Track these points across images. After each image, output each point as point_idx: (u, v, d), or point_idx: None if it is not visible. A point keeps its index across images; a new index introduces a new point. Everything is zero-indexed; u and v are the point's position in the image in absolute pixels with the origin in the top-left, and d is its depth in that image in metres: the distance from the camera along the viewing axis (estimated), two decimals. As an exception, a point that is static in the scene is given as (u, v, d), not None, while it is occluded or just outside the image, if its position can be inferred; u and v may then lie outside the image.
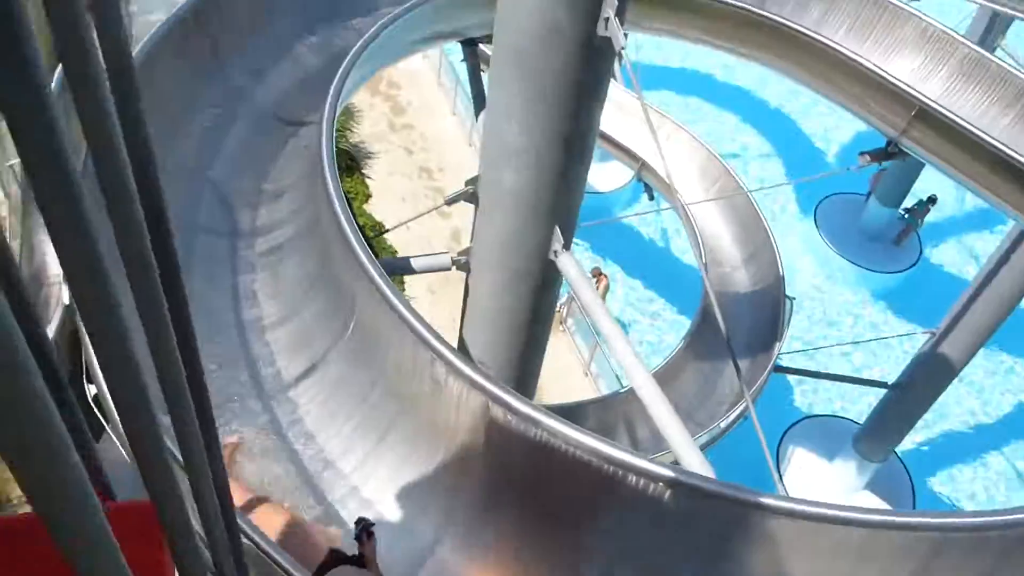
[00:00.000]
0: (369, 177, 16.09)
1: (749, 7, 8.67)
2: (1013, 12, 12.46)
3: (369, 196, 15.72)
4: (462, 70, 12.21)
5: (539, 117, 4.51)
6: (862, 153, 8.90)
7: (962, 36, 9.83)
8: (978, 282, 11.08)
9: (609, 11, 4.15)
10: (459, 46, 8.25)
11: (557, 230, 5.05)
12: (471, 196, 5.12)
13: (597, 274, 13.61)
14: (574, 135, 4.66)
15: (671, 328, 15.53)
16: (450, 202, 5.24)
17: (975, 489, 14.61)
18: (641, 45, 18.32)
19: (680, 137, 12.88)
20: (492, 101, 4.81)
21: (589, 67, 4.37)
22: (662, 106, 18.23)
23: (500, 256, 5.26)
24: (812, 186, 17.30)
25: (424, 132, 17.19)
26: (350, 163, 16.07)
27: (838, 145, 20.00)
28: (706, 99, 20.61)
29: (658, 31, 9.26)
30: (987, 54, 9.49)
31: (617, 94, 13.72)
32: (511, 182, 4.80)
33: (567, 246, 5.09)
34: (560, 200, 4.96)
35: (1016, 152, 8.02)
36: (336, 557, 3.71)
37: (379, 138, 16.86)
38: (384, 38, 5.69)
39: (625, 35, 4.18)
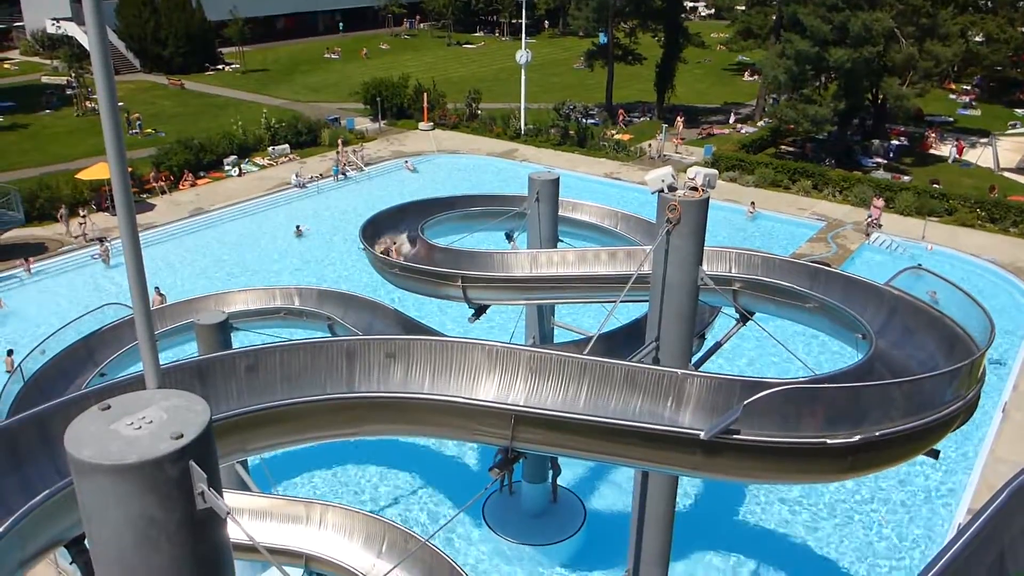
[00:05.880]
0: None
1: (340, 395, 9.44)
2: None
3: None
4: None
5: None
6: (491, 468, 9.76)
7: (520, 344, 11.65)
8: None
9: (202, 485, 4.22)
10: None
11: None
12: None
13: None
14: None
15: None
16: None
17: None
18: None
19: (334, 516, 12.88)
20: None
21: (201, 540, 4.34)
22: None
23: None
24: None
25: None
26: None
27: (474, 461, 21.76)
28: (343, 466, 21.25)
29: (260, 450, 9.50)
30: (545, 349, 11.34)
31: (247, 501, 13.40)
32: None
33: None
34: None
35: (598, 416, 9.45)
36: None
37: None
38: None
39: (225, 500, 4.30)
